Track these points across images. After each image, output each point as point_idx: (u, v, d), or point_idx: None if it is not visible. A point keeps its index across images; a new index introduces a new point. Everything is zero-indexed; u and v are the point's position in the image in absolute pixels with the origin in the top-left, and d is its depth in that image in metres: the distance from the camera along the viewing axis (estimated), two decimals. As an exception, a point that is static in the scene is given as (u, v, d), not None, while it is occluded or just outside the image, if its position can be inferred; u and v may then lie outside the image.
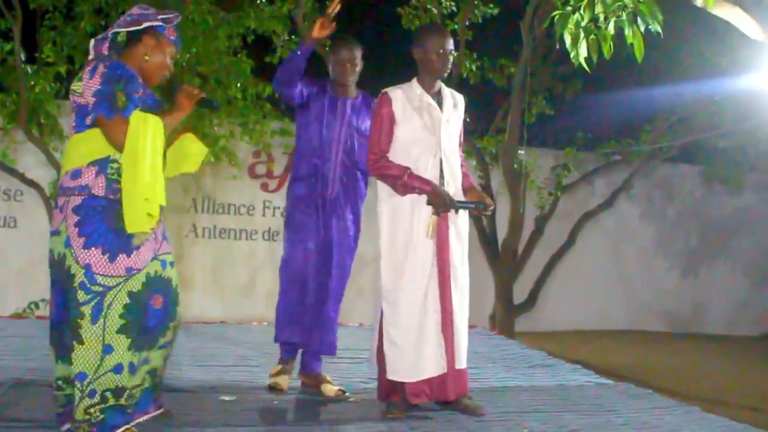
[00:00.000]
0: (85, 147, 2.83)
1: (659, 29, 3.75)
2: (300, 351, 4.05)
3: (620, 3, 3.89)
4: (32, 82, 7.44)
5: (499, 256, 8.48)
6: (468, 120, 8.66)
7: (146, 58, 2.99)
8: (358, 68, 4.01)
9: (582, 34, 4.15)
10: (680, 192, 11.20)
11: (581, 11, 4.12)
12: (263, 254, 9.18)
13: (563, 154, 9.44)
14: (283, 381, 3.95)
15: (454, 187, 3.68)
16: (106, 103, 2.78)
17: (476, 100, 8.82)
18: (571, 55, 4.25)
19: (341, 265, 4.00)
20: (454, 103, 3.84)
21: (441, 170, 3.66)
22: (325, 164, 3.88)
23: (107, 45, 2.96)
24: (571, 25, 4.18)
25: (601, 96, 8.79)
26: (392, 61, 9.65)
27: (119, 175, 2.80)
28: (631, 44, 3.86)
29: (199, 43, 6.88)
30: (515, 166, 8.41)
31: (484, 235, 8.55)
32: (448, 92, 3.84)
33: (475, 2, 8.31)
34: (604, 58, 3.97)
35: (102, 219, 2.77)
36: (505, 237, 8.48)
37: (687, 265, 11.13)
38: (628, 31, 3.87)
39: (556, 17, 4.22)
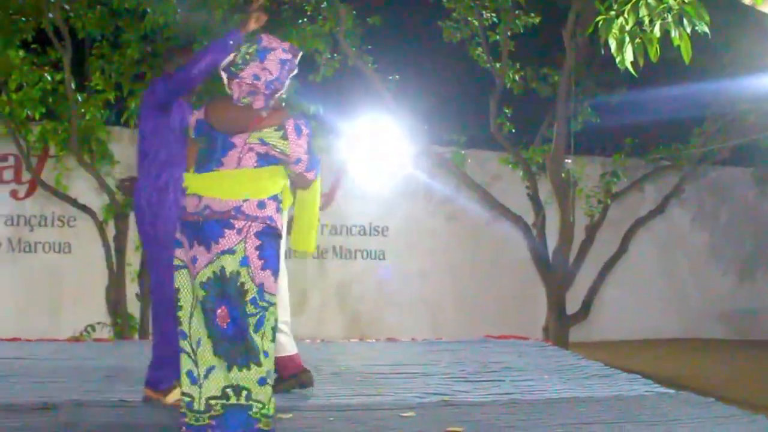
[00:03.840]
0: (267, 183, 3.22)
1: (707, 30, 3.68)
2: None
3: (665, 5, 3.83)
4: (83, 110, 7.60)
5: (550, 266, 8.38)
6: (513, 131, 8.67)
7: None
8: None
9: (627, 38, 4.10)
10: (732, 195, 10.98)
11: (625, 15, 4.08)
12: (312, 272, 9.21)
13: (611, 161, 9.32)
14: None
15: None
16: (318, 165, 3.39)
17: (521, 111, 8.81)
18: (617, 60, 4.20)
19: None
20: None
21: None
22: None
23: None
24: (615, 30, 4.13)
25: (649, 100, 8.67)
26: (433, 73, 9.70)
27: (281, 210, 3.32)
28: (678, 46, 3.79)
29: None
30: (563, 175, 8.33)
31: (533, 246, 8.47)
32: None
33: (516, 12, 8.26)
34: (651, 61, 3.91)
35: (275, 246, 3.21)
36: (555, 247, 8.40)
37: (742, 269, 10.89)
38: (674, 33, 3.81)
39: (600, 22, 4.18)
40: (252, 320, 3.11)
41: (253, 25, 3.72)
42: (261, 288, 3.12)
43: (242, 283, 3.10)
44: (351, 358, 5.57)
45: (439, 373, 4.96)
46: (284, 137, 3.21)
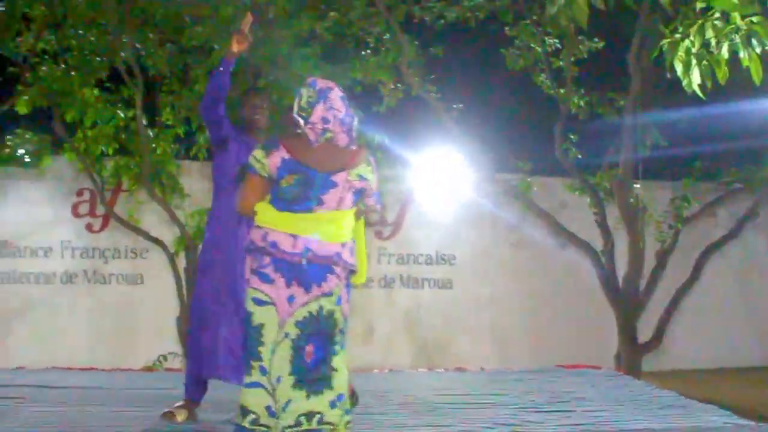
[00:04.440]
0: (352, 223, 3.47)
1: (777, 49, 3.61)
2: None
3: (733, 26, 3.78)
4: (153, 145, 7.82)
5: (621, 293, 8.22)
6: (580, 157, 8.58)
7: None
8: (268, 113, 4.33)
9: (693, 61, 4.05)
10: (811, 217, 10.61)
11: (691, 38, 4.03)
12: (380, 301, 9.22)
13: (681, 185, 9.13)
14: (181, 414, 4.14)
15: None
16: (379, 198, 3.61)
17: (586, 136, 8.72)
18: (684, 83, 4.14)
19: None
20: None
21: None
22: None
23: None
24: (681, 53, 4.09)
25: (719, 122, 8.48)
26: (496, 101, 9.70)
27: None
28: (748, 67, 3.73)
29: (308, 97, 7.06)
30: (631, 200, 8.19)
31: (603, 273, 8.33)
32: None
33: (579, 38, 8.21)
34: (719, 83, 3.85)
35: (350, 285, 3.45)
36: (625, 274, 8.24)
37: (823, 294, 10.50)
38: (743, 54, 3.75)
39: (665, 46, 4.13)
40: (337, 347, 3.32)
41: (236, 47, 3.92)
42: (345, 320, 3.37)
43: (336, 320, 3.33)
44: (419, 388, 5.54)
45: (509, 404, 4.90)
46: (373, 171, 3.46)
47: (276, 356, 3.24)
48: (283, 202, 3.33)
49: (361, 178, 3.39)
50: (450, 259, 9.24)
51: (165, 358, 7.66)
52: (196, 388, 4.24)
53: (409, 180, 8.33)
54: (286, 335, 3.24)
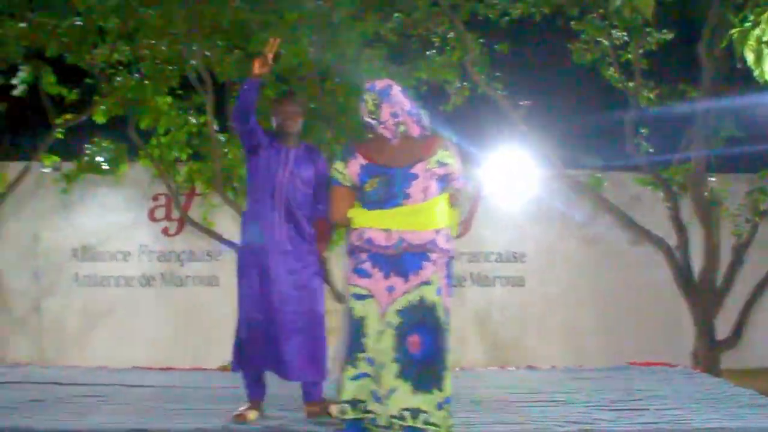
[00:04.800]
0: (446, 210, 3.53)
1: None
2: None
3: (805, 12, 3.68)
4: (225, 149, 7.98)
5: (696, 289, 8.04)
6: (651, 150, 8.42)
7: None
8: (300, 120, 4.41)
9: (765, 50, 3.96)
10: None
11: (762, 26, 3.95)
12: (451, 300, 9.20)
13: (757, 177, 8.87)
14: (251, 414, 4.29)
15: None
16: (465, 178, 3.66)
17: (658, 130, 8.55)
18: (756, 73, 4.06)
19: (302, 295, 4.21)
20: None
21: None
22: (271, 208, 4.20)
23: None
24: (751, 42, 4.01)
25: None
26: (563, 96, 9.58)
27: None
28: (823, 54, 3.63)
29: (375, 98, 7.11)
30: (706, 194, 8.01)
31: (677, 268, 8.16)
32: None
33: (647, 29, 8.05)
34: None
35: (451, 275, 3.54)
36: (700, 269, 8.05)
37: None
38: (817, 41, 3.65)
39: (735, 35, 4.06)
40: (447, 345, 3.41)
41: (258, 70, 4.06)
42: (447, 313, 3.44)
43: (437, 312, 3.39)
44: (490, 386, 5.55)
45: (581, 402, 4.86)
46: (452, 155, 3.54)
47: (380, 345, 3.38)
48: (373, 204, 3.50)
49: (441, 164, 3.48)
50: (521, 257, 9.17)
51: (241, 358, 7.79)
52: (255, 388, 4.39)
53: (477, 178, 8.31)
54: (388, 324, 3.37)
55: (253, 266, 4.21)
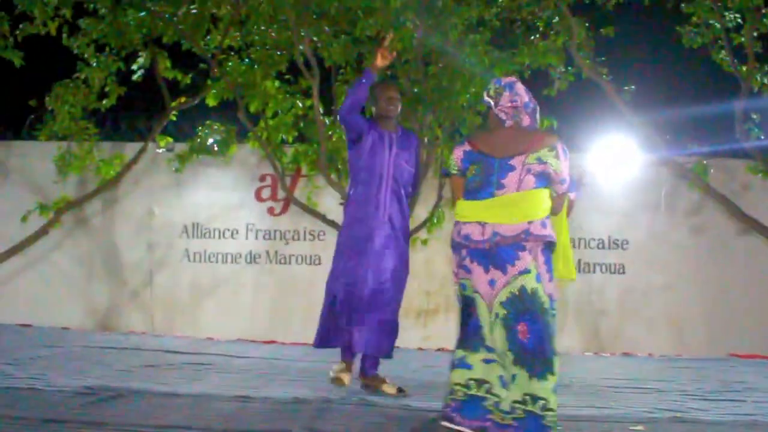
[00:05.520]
0: (543, 203, 3.56)
1: None
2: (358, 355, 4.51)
3: None
4: (330, 132, 8.18)
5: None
6: (763, 137, 8.13)
7: None
8: (400, 104, 4.60)
9: None
10: None
11: None
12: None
13: None
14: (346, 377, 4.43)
15: None
16: (576, 186, 3.75)
17: (771, 115, 8.24)
18: None
19: (396, 274, 4.36)
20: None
21: None
22: (377, 189, 4.38)
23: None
24: None
25: None
26: (671, 81, 9.34)
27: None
28: None
29: (477, 82, 7.16)
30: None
31: None
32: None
33: (764, 11, 7.77)
34: None
35: (552, 258, 3.56)
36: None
37: None
38: None
39: None
40: (553, 327, 3.45)
41: (380, 62, 4.16)
42: (551, 298, 3.48)
43: (541, 298, 3.43)
44: (584, 371, 5.57)
45: (675, 390, 4.84)
46: (556, 157, 3.57)
47: (494, 335, 3.49)
48: (470, 193, 3.63)
49: (540, 161, 3.53)
50: (623, 244, 9.03)
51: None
52: (347, 349, 4.54)
53: (581, 164, 8.23)
54: (497, 316, 3.46)
55: (355, 244, 4.36)
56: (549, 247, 3.52)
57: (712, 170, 8.47)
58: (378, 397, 4.35)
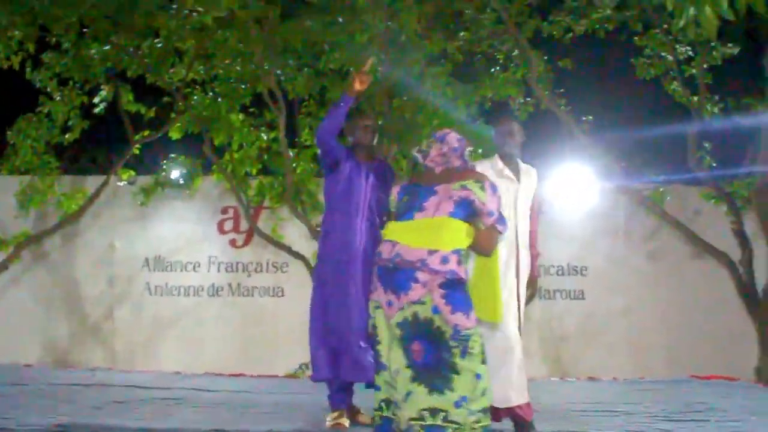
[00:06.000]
0: (454, 234, 3.58)
1: None
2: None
3: None
4: (294, 164, 8.24)
5: (760, 304, 8.00)
6: (714, 164, 8.41)
7: None
8: (375, 134, 4.66)
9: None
10: None
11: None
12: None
13: (825, 191, 8.76)
14: (345, 421, 4.41)
15: (525, 254, 4.32)
16: (505, 222, 3.73)
17: (721, 144, 8.53)
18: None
19: (365, 305, 4.21)
20: (530, 178, 4.42)
21: (516, 236, 4.24)
22: (354, 218, 4.41)
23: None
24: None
25: None
26: (626, 111, 9.62)
27: (463, 263, 3.57)
28: None
29: (440, 114, 7.31)
30: (770, 208, 7.96)
31: (740, 282, 8.14)
32: (524, 167, 4.43)
33: (712, 44, 8.08)
34: None
35: (461, 290, 3.52)
36: (765, 284, 8.01)
37: None
38: None
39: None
40: (456, 351, 3.43)
41: (358, 86, 4.24)
42: (456, 328, 3.45)
43: (438, 327, 3.46)
44: (551, 396, 5.66)
45: (642, 412, 4.95)
46: (482, 189, 3.65)
47: (392, 353, 3.56)
48: (398, 216, 3.77)
49: (464, 188, 3.64)
50: (582, 270, 9.22)
51: (307, 366, 8.00)
52: (341, 395, 4.52)
53: (540, 192, 8.39)
54: (394, 335, 3.55)
55: (335, 274, 4.41)
56: (452, 282, 3.48)
57: (668, 197, 8.71)
58: (353, 427, 4.37)
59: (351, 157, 4.53)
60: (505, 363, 4.13)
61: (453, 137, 3.85)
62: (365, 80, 4.33)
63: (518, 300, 4.25)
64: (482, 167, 4.27)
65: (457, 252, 3.53)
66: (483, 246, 3.67)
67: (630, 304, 8.98)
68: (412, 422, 3.45)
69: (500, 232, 3.72)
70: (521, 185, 4.32)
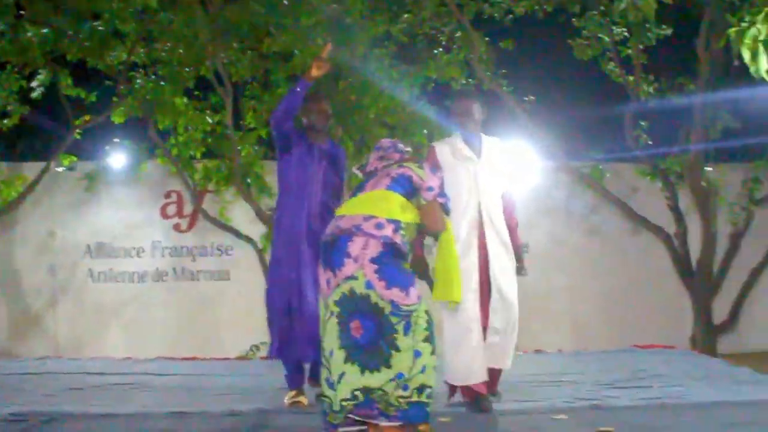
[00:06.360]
0: (392, 206, 3.59)
1: (842, 34, 3.74)
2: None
3: (798, 13, 3.91)
4: (238, 147, 8.22)
5: (694, 276, 8.34)
6: (650, 142, 8.68)
7: None
8: (329, 117, 4.74)
9: (761, 48, 4.19)
10: None
11: (758, 25, 4.17)
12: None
13: (753, 167, 9.15)
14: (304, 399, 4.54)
15: (493, 231, 4.28)
16: (447, 197, 3.75)
17: (656, 122, 8.82)
18: (751, 70, 4.29)
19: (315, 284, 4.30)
20: (494, 154, 4.43)
21: (480, 213, 4.28)
22: (308, 201, 4.49)
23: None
24: (748, 40, 4.23)
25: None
26: (566, 91, 9.83)
27: (401, 234, 3.55)
28: (814, 53, 3.87)
29: (386, 96, 7.39)
30: (703, 183, 8.29)
31: (676, 256, 8.45)
32: (489, 144, 4.44)
33: (647, 26, 8.31)
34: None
35: (394, 264, 3.49)
36: (699, 257, 8.35)
37: None
38: (808, 40, 3.88)
39: (732, 34, 4.29)
40: (399, 327, 3.42)
41: (316, 72, 4.30)
42: (393, 304, 3.43)
43: (375, 303, 3.45)
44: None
45: (589, 381, 5.15)
46: (421, 168, 3.76)
47: (326, 333, 3.55)
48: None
49: (401, 167, 3.73)
50: (524, 248, 9.39)
51: (258, 348, 8.05)
52: (297, 374, 4.62)
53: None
54: (332, 313, 3.53)
55: (290, 256, 4.46)
56: (385, 254, 3.47)
57: (607, 174, 8.96)
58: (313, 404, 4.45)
59: (304, 140, 4.57)
60: (463, 342, 4.23)
61: (386, 141, 3.98)
62: (323, 66, 4.38)
63: (493, 277, 4.29)
64: (441, 147, 4.37)
65: (394, 222, 3.52)
66: (428, 220, 3.66)
67: (571, 281, 9.23)
68: (344, 403, 3.45)
69: (443, 205, 3.71)
70: (481, 162, 4.35)
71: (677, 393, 4.63)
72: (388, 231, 3.49)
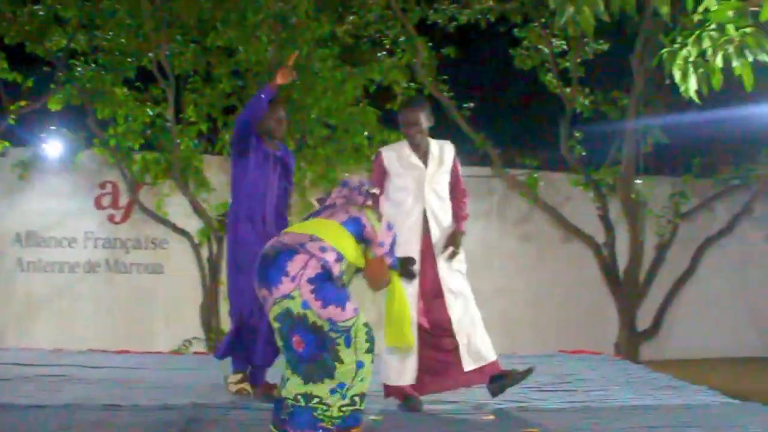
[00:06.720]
0: (341, 238, 3.56)
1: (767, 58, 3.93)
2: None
3: (727, 37, 4.09)
4: (178, 140, 8.16)
5: (621, 284, 8.61)
6: (584, 153, 8.92)
7: None
8: (285, 124, 4.74)
9: (691, 69, 4.37)
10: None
11: (689, 47, 4.35)
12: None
13: (680, 181, 9.49)
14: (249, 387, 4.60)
15: (438, 233, 4.41)
16: (395, 257, 3.73)
17: (591, 133, 9.07)
18: (681, 89, 4.48)
19: None
20: (441, 159, 4.46)
21: (425, 218, 4.37)
22: (264, 206, 4.53)
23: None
24: (679, 61, 4.41)
25: (717, 121, 8.81)
26: (505, 100, 10.04)
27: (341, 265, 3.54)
28: (740, 75, 4.05)
29: (328, 97, 7.44)
30: (632, 195, 8.56)
31: (604, 264, 8.72)
32: (436, 149, 4.48)
33: (585, 40, 8.55)
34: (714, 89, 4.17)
35: (329, 286, 3.48)
36: (626, 266, 8.62)
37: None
38: (736, 63, 4.06)
39: (665, 54, 4.47)
40: (340, 340, 3.45)
41: (280, 80, 4.34)
42: (331, 320, 3.44)
43: (313, 321, 3.45)
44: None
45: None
46: (378, 220, 3.68)
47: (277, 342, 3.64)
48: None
49: (360, 211, 3.66)
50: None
51: (190, 342, 8.02)
52: (244, 363, 4.66)
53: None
54: (275, 328, 3.58)
55: (249, 262, 4.44)
56: (320, 276, 3.45)
57: (541, 183, 9.17)
58: (249, 399, 4.48)
59: (260, 146, 4.58)
60: None
61: (355, 179, 3.90)
62: (287, 75, 4.40)
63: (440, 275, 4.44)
64: (388, 153, 4.43)
65: (338, 252, 3.51)
66: (371, 275, 3.70)
67: (502, 285, 9.41)
68: (287, 401, 3.50)
69: (390, 266, 3.71)
70: (428, 169, 4.40)
71: (600, 397, 4.80)
72: (329, 257, 3.49)
